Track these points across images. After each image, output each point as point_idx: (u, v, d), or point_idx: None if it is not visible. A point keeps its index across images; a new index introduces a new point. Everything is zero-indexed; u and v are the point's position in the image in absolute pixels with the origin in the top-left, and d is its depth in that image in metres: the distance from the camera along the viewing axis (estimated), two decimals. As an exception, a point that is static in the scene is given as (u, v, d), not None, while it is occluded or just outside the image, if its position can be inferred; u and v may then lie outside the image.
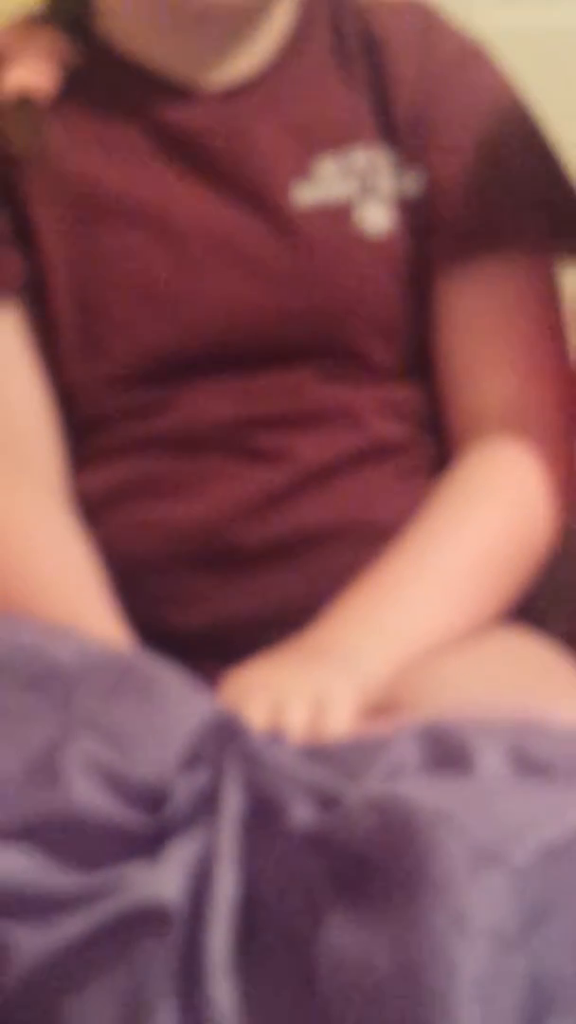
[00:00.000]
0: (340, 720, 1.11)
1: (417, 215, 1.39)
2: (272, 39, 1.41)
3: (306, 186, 1.37)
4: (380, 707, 1.17)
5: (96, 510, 1.37)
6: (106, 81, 1.40)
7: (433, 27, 1.43)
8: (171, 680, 1.05)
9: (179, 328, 1.37)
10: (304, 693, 1.12)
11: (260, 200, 1.37)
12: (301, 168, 1.37)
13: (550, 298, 1.42)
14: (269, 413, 1.38)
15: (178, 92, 1.39)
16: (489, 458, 1.35)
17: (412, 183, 1.39)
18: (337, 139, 1.38)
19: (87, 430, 1.40)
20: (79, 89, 1.39)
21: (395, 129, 1.39)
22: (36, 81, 1.38)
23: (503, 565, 1.32)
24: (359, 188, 1.37)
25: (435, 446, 1.41)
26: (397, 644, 1.22)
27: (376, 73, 1.40)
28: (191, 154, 1.38)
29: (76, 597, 1.29)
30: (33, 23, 1.43)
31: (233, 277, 1.37)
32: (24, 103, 1.37)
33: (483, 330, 1.39)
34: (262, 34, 1.40)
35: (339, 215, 1.38)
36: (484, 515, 1.32)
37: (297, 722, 1.09)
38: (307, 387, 1.39)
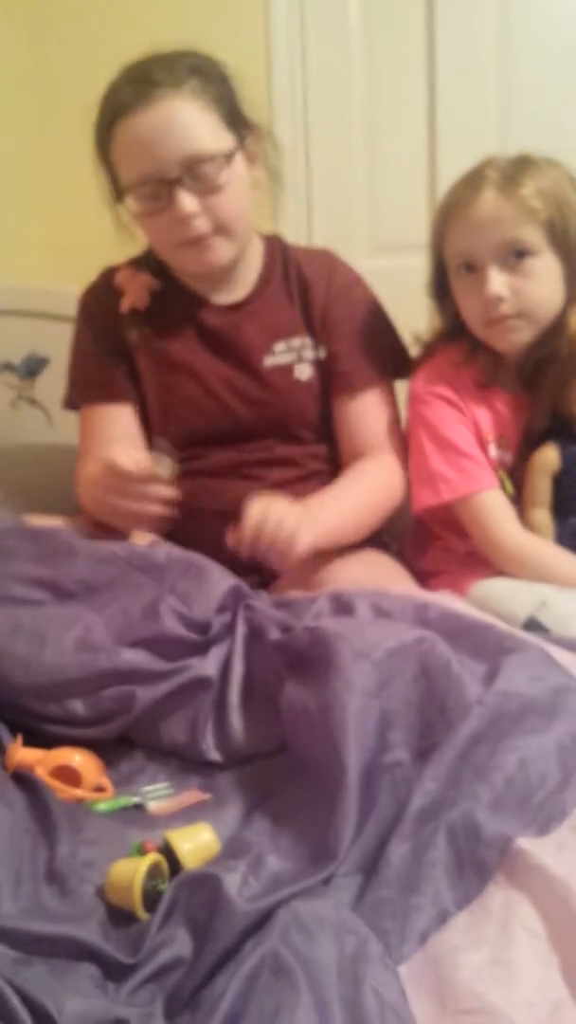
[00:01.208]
0: (303, 545, 1.10)
1: (323, 369, 1.37)
2: (250, 278, 1.37)
3: (270, 357, 1.35)
4: (312, 587, 1.17)
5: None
6: (170, 298, 1.36)
7: (335, 266, 1.40)
8: (212, 568, 1.05)
9: (205, 423, 1.35)
10: (293, 520, 1.10)
11: (247, 365, 1.35)
12: (268, 348, 1.35)
13: (391, 395, 1.40)
14: (255, 460, 1.36)
15: (205, 304, 1.35)
16: (371, 461, 1.34)
17: (321, 353, 1.36)
18: (285, 333, 1.36)
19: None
20: (157, 302, 1.36)
21: (313, 327, 1.36)
22: (138, 302, 1.35)
23: (376, 503, 1.31)
24: (296, 357, 1.36)
25: (332, 473, 1.37)
26: (328, 523, 1.19)
27: (304, 298, 1.37)
28: (212, 339, 1.35)
29: None
30: (136, 267, 1.37)
31: (234, 401, 1.35)
32: (134, 313, 1.35)
33: (365, 411, 1.37)
34: (244, 276, 1.36)
35: (287, 371, 1.35)
36: (368, 481, 1.32)
37: (289, 524, 1.09)
38: (273, 447, 1.36)
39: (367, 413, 1.36)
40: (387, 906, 0.67)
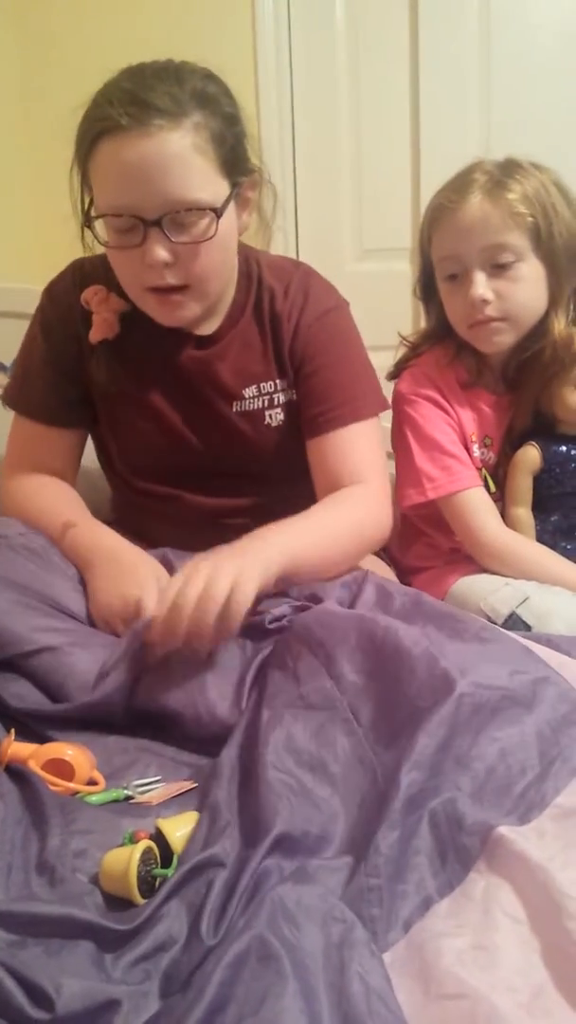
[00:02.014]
0: (249, 592, 0.95)
1: (293, 409, 1.27)
2: (223, 312, 1.25)
3: (239, 404, 1.26)
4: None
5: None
6: (141, 325, 1.23)
7: (309, 293, 1.27)
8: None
9: (165, 462, 1.29)
10: (230, 570, 0.95)
11: (216, 411, 1.26)
12: (238, 395, 1.26)
13: (368, 430, 1.24)
14: (230, 507, 1.29)
15: (177, 335, 1.24)
16: (349, 490, 1.19)
17: (291, 395, 1.27)
18: (256, 378, 1.26)
19: (139, 497, 1.32)
20: (126, 328, 1.24)
21: (284, 370, 1.26)
22: (107, 332, 1.23)
23: (352, 530, 1.17)
24: (267, 402, 1.27)
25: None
26: (289, 543, 1.05)
27: (275, 333, 1.26)
28: (181, 380, 1.26)
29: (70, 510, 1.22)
30: (107, 283, 1.23)
31: (199, 445, 1.28)
32: (103, 345, 1.24)
33: (337, 450, 1.22)
34: (220, 304, 1.25)
35: (257, 416, 1.27)
36: (343, 508, 1.17)
37: (222, 587, 0.93)
38: (248, 489, 1.29)
39: (340, 452, 1.23)
40: (375, 894, 0.67)
